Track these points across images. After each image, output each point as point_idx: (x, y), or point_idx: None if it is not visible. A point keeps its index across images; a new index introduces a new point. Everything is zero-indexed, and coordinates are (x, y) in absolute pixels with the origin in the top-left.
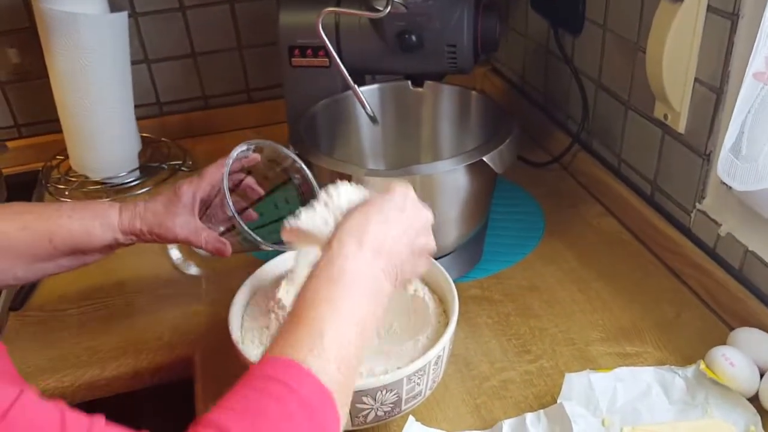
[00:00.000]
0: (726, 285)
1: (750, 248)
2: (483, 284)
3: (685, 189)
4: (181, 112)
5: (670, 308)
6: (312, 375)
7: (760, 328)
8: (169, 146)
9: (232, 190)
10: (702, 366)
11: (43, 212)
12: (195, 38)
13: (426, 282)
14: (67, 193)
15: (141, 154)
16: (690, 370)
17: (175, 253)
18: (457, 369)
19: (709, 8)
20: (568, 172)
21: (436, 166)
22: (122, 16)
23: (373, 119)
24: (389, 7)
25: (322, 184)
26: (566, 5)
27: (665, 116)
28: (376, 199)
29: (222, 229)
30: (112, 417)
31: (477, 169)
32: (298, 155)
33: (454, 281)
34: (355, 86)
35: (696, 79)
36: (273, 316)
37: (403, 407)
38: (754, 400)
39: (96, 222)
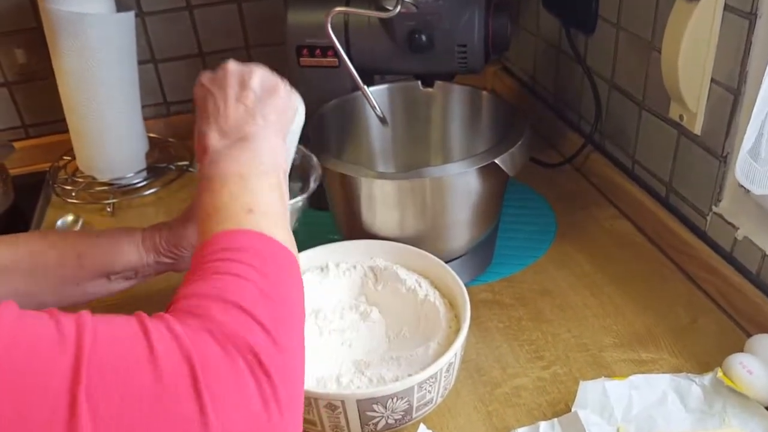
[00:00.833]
0: (743, 290)
1: None
2: (494, 288)
3: (701, 191)
4: (189, 112)
5: (685, 313)
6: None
7: None
8: (176, 147)
9: None
10: (719, 374)
11: (71, 233)
12: (202, 38)
13: (436, 286)
14: (74, 193)
15: (148, 155)
16: (707, 378)
17: None
18: (468, 375)
19: (726, 7)
20: (580, 174)
21: (447, 168)
22: (129, 16)
23: (382, 120)
24: (399, 7)
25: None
26: (579, 4)
27: (681, 117)
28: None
29: None
30: None
31: (488, 171)
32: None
33: (465, 285)
34: (365, 87)
35: (712, 80)
36: None
37: (414, 415)
38: None
39: (123, 238)
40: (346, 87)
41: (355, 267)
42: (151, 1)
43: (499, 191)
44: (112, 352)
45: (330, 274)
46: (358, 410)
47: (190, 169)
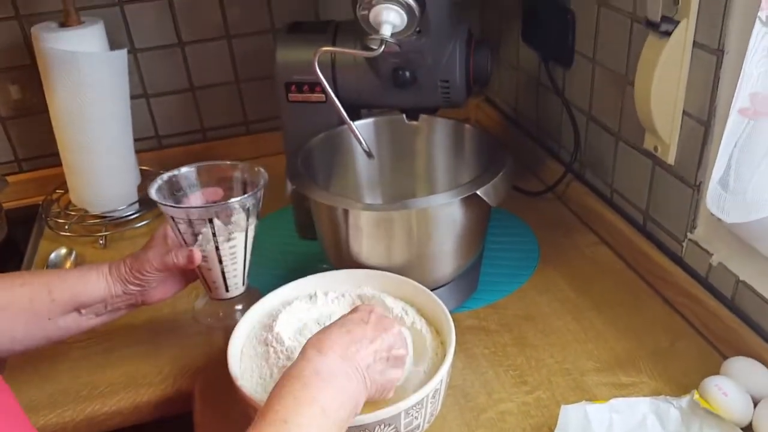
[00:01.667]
0: (719, 314)
1: (741, 278)
2: (479, 314)
3: (676, 219)
4: (180, 144)
5: (664, 337)
6: None
7: (753, 358)
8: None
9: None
10: (696, 396)
11: (41, 271)
12: (193, 73)
13: (422, 314)
14: (66, 226)
15: (140, 188)
16: (684, 401)
17: (199, 302)
18: (455, 401)
19: (695, 44)
20: (561, 201)
21: (431, 199)
22: (122, 54)
23: (368, 154)
24: (383, 47)
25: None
26: (556, 39)
27: (655, 148)
28: (338, 318)
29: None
30: None
31: (472, 202)
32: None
33: (451, 312)
34: (351, 123)
35: (684, 112)
36: (271, 350)
37: None
38: (748, 429)
39: (91, 271)
40: (333, 121)
41: (343, 295)
42: (144, 38)
43: (482, 220)
44: None
45: (318, 302)
46: None
47: None
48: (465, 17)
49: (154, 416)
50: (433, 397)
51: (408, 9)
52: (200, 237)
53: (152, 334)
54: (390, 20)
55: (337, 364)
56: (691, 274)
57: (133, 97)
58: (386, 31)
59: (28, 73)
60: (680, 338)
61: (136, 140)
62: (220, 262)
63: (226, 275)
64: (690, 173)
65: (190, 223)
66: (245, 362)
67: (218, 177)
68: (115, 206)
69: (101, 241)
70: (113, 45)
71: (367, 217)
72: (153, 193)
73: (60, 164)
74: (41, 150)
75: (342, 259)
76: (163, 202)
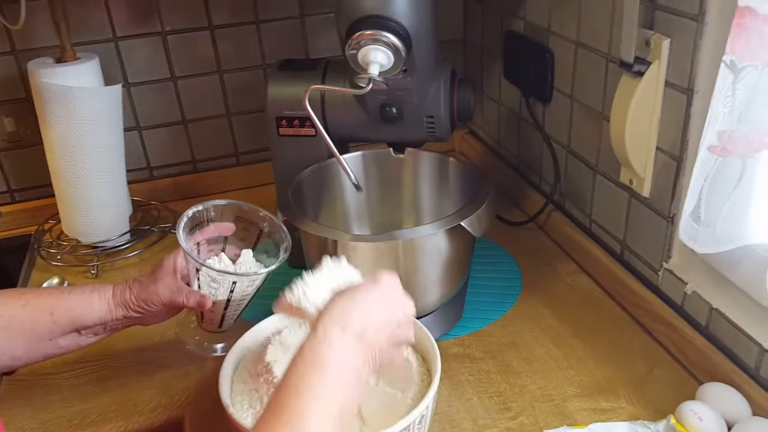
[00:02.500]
0: (694, 341)
1: (714, 305)
2: (464, 342)
3: (652, 249)
4: (171, 175)
5: (643, 364)
6: None
7: (727, 383)
8: (159, 209)
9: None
10: (672, 420)
11: (44, 291)
12: (185, 106)
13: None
14: (59, 256)
15: (131, 218)
16: (661, 425)
17: (185, 323)
18: (441, 427)
19: (667, 83)
20: (543, 231)
21: (417, 230)
22: (116, 89)
23: (357, 186)
24: (371, 85)
25: (308, 256)
26: (536, 76)
27: (630, 181)
28: (362, 285)
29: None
30: None
31: (456, 232)
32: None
33: (437, 340)
34: (340, 157)
35: (658, 148)
36: (262, 379)
37: None
38: None
39: (94, 294)
40: (323, 154)
41: None
42: (138, 73)
43: (467, 250)
44: None
45: (307, 330)
46: None
47: (172, 231)
48: (449, 56)
49: None
50: (420, 423)
51: (395, 50)
52: (217, 288)
53: (143, 363)
54: (378, 60)
55: (354, 349)
56: (667, 302)
57: (126, 129)
58: (374, 71)
59: (23, 106)
60: (658, 365)
61: (128, 171)
62: (226, 308)
63: (226, 317)
64: (664, 206)
65: (213, 279)
66: (236, 391)
67: (236, 215)
68: (106, 236)
69: (93, 271)
70: (108, 79)
71: (356, 248)
72: (182, 237)
73: (52, 195)
74: (34, 181)
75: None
76: (197, 259)
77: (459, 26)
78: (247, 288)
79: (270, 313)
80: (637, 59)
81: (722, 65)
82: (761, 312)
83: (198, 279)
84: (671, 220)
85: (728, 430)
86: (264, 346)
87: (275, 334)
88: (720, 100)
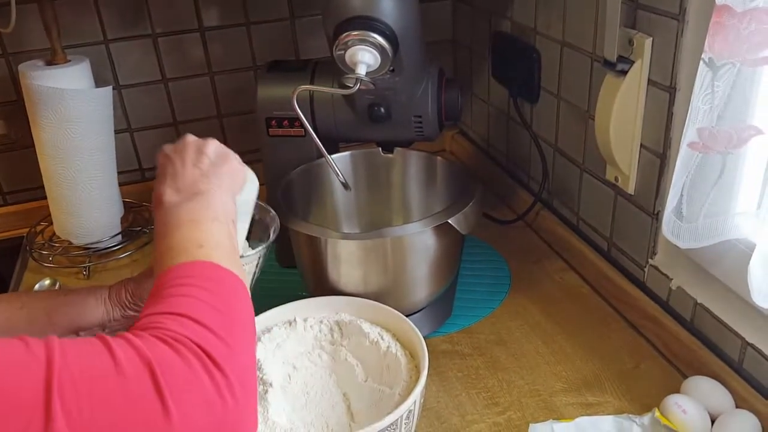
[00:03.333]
0: (678, 336)
1: (699, 301)
2: (453, 339)
3: (637, 245)
4: None
5: (629, 359)
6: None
7: (711, 377)
8: (150, 211)
9: None
10: (657, 414)
11: (40, 293)
12: (177, 107)
13: (398, 338)
14: (51, 258)
15: (123, 219)
16: (646, 418)
17: None
18: (429, 422)
19: (650, 82)
20: (532, 229)
21: (405, 228)
22: (107, 91)
23: (345, 186)
24: (359, 85)
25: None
26: (523, 76)
27: (616, 178)
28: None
29: None
30: None
31: (443, 230)
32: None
33: (426, 337)
34: (329, 156)
35: (642, 145)
36: None
37: None
38: None
39: (90, 295)
40: (312, 154)
41: (321, 321)
42: (128, 75)
43: (455, 248)
44: (81, 365)
45: (297, 328)
46: None
47: None
48: (438, 56)
49: None
50: (407, 418)
51: (382, 50)
52: None
53: None
54: (365, 60)
55: (177, 196)
56: (653, 298)
57: (117, 131)
58: (361, 71)
59: (14, 108)
60: (644, 360)
61: (119, 173)
62: None
63: None
64: (649, 202)
65: None
66: None
67: None
68: (98, 237)
69: (85, 272)
70: (99, 81)
71: (345, 246)
72: None
73: (44, 197)
74: (25, 183)
75: (320, 286)
76: None
77: (448, 27)
78: None
79: (260, 311)
80: (620, 58)
81: (701, 63)
82: (744, 306)
83: None
84: (656, 216)
85: (712, 422)
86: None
87: (265, 332)
88: (700, 98)
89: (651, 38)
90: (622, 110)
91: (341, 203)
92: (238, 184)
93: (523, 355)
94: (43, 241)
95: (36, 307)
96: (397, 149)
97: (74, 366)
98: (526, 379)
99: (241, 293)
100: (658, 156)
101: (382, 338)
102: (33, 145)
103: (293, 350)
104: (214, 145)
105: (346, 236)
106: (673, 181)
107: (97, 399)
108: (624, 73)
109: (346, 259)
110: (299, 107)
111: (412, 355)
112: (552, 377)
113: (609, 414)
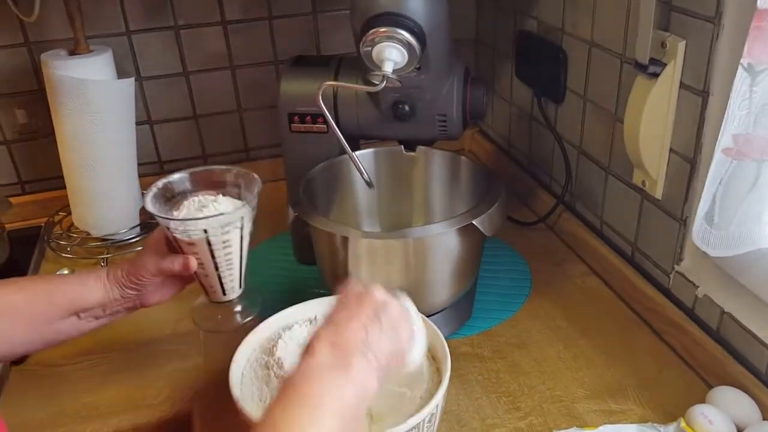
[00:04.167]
0: (704, 345)
1: (726, 309)
2: (473, 341)
3: (663, 251)
4: (182, 170)
5: (652, 366)
6: None
7: (738, 387)
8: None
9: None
10: (682, 424)
11: (39, 277)
12: (197, 101)
13: None
14: (68, 249)
15: (142, 211)
16: (671, 428)
17: (198, 304)
18: (449, 426)
19: (682, 85)
20: (553, 232)
21: (428, 229)
22: (129, 82)
23: (369, 183)
24: (385, 82)
25: None
26: (549, 76)
27: (643, 183)
28: (332, 311)
29: None
30: None
31: (467, 231)
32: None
33: (446, 338)
34: (353, 153)
35: (671, 150)
36: (272, 374)
37: None
38: None
39: (90, 276)
40: (335, 150)
41: None
42: (150, 67)
43: (477, 249)
44: None
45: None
46: None
47: None
48: (462, 55)
49: None
50: (429, 421)
51: (409, 47)
52: (195, 245)
53: (152, 355)
54: (392, 57)
55: (327, 357)
56: (678, 305)
57: (137, 123)
58: (388, 68)
59: (35, 98)
60: (668, 367)
61: (139, 165)
62: (217, 268)
63: (223, 280)
64: (677, 208)
65: (185, 232)
66: (246, 385)
67: (212, 181)
68: (116, 229)
69: (103, 264)
70: (120, 73)
71: (366, 245)
72: (148, 202)
73: (63, 187)
74: (45, 173)
75: (341, 284)
76: (157, 213)
77: (471, 26)
78: (224, 235)
79: (277, 308)
80: (652, 60)
81: (740, 68)
82: None
83: (177, 242)
84: (683, 222)
85: None
86: (274, 340)
87: (286, 329)
88: (737, 103)
89: (684, 41)
90: (652, 113)
91: (363, 201)
92: (396, 366)
93: (544, 360)
94: (61, 231)
95: (35, 289)
96: (420, 148)
97: None
98: (547, 384)
99: None
100: (688, 161)
101: None
102: (53, 135)
103: None
104: (393, 312)
105: (368, 235)
106: (705, 187)
107: None
108: (656, 75)
109: (367, 258)
110: (323, 104)
111: (433, 357)
112: (574, 383)
113: (632, 422)
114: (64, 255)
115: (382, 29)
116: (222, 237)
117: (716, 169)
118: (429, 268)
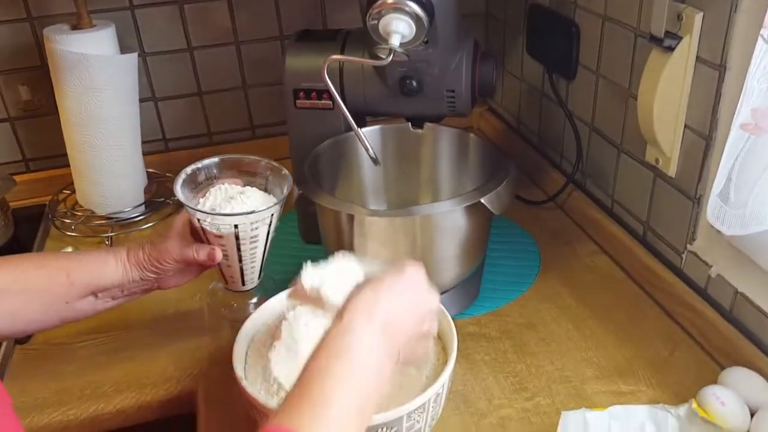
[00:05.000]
0: (717, 325)
1: (740, 290)
2: (480, 321)
3: (676, 230)
4: (186, 147)
5: (663, 347)
6: None
7: (751, 368)
8: (174, 182)
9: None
10: (694, 405)
11: (60, 254)
12: (201, 77)
13: None
14: (73, 227)
15: (146, 190)
16: (682, 409)
17: (214, 290)
18: (455, 405)
19: (698, 59)
20: (563, 211)
21: (436, 206)
22: (132, 57)
23: (375, 160)
24: (392, 56)
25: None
26: (560, 51)
27: (656, 160)
28: (387, 276)
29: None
30: None
31: (475, 210)
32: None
33: (453, 318)
34: (359, 130)
35: (686, 126)
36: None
37: None
38: None
39: (110, 255)
40: (340, 127)
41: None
42: (154, 43)
43: (485, 228)
44: None
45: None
46: None
47: None
48: (471, 29)
49: (157, 416)
50: (435, 401)
51: (417, 20)
52: (223, 238)
53: (157, 334)
54: (399, 30)
55: (379, 341)
56: (690, 285)
57: (141, 100)
58: (395, 41)
59: (38, 74)
60: (679, 348)
61: (143, 143)
62: (240, 260)
63: (244, 271)
64: (690, 186)
65: (214, 225)
66: (250, 364)
67: (240, 170)
68: (121, 207)
69: (107, 242)
70: (124, 48)
71: (372, 223)
72: (178, 190)
73: (67, 165)
74: (49, 150)
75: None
76: (187, 202)
77: (481, 0)
78: (252, 231)
79: (283, 287)
80: (668, 34)
81: (759, 39)
82: None
83: (204, 232)
84: (697, 201)
85: (751, 415)
86: (278, 321)
87: (290, 309)
88: (756, 76)
89: (702, 13)
90: (667, 88)
91: (369, 178)
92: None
93: (553, 340)
94: (65, 210)
95: (55, 266)
96: (428, 125)
97: None
98: (555, 365)
99: None
100: (704, 138)
101: None
102: (57, 112)
103: (320, 328)
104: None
105: (374, 213)
106: (720, 163)
107: None
108: (671, 49)
109: (373, 236)
110: (329, 79)
111: (440, 337)
112: (583, 363)
113: (643, 403)
114: (68, 233)
115: (389, 1)
116: (251, 233)
117: (733, 145)
118: (436, 247)
